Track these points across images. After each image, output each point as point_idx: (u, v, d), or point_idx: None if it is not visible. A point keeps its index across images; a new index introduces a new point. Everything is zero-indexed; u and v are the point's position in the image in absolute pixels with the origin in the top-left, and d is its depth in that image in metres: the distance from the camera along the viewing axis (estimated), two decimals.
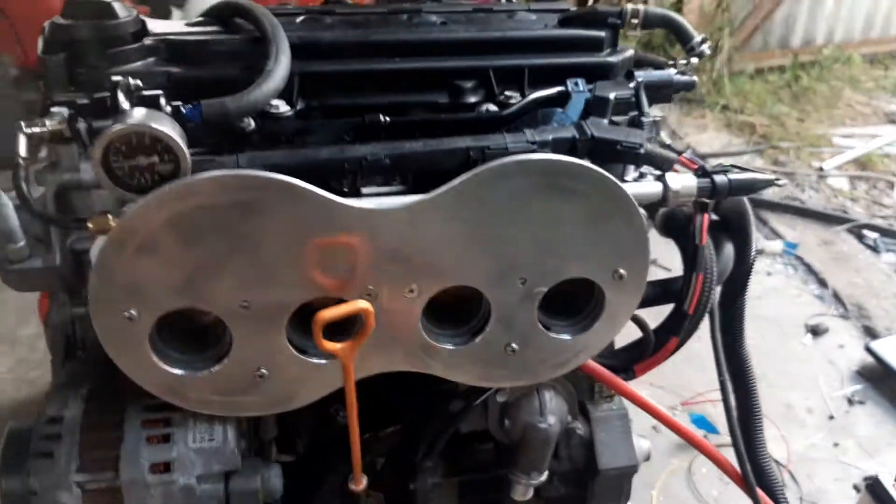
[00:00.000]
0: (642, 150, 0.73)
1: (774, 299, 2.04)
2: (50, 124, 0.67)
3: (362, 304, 0.65)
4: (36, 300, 2.06)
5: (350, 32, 0.86)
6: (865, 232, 2.26)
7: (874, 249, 2.21)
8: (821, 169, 2.62)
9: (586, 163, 0.68)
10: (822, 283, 2.08)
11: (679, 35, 0.91)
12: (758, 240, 2.25)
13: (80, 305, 0.83)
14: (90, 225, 0.65)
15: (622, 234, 0.71)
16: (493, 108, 0.80)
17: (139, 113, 0.63)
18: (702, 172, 0.76)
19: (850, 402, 1.72)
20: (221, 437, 0.74)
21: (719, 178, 0.76)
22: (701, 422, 1.57)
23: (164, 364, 0.69)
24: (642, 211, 0.73)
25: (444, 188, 0.66)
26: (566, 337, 0.76)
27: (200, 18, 0.85)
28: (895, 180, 2.56)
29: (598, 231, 0.70)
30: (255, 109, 0.70)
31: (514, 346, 0.75)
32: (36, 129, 0.67)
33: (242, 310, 0.67)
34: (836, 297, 2.03)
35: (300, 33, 0.82)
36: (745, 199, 0.90)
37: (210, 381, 0.70)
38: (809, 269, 2.13)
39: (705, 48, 0.90)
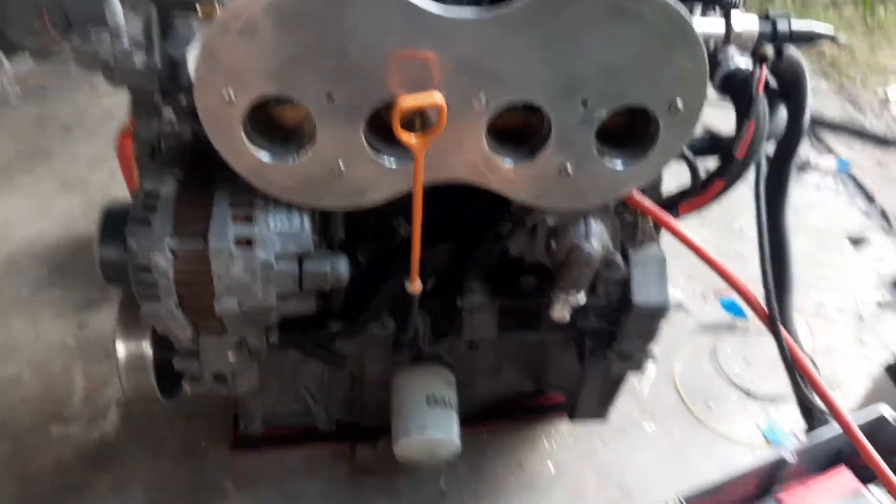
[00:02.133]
0: None
1: (820, 212, 2.05)
2: None
3: (438, 97, 0.71)
4: (105, 149, 2.18)
5: None
6: None
7: None
8: (886, 96, 2.57)
9: None
10: (870, 200, 2.08)
11: None
12: (810, 146, 2.26)
13: (170, 105, 0.90)
14: (199, 10, 0.72)
15: (684, 64, 0.75)
16: None
17: None
18: (764, 16, 0.79)
19: (881, 306, 1.76)
20: (298, 223, 0.83)
21: (781, 23, 0.79)
22: (731, 306, 1.63)
23: (254, 149, 0.77)
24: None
25: (517, 3, 0.71)
26: (619, 166, 0.82)
27: None
28: None
29: (661, 59, 0.74)
30: None
31: (569, 168, 0.80)
32: None
33: (327, 101, 0.74)
34: (883, 213, 2.03)
35: None
36: (803, 65, 0.92)
37: (293, 171, 0.78)
38: (859, 187, 2.13)
39: None
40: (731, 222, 1.94)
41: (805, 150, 2.29)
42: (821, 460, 1.03)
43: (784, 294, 1.02)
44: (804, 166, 2.18)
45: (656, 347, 1.11)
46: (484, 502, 1.31)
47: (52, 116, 2.39)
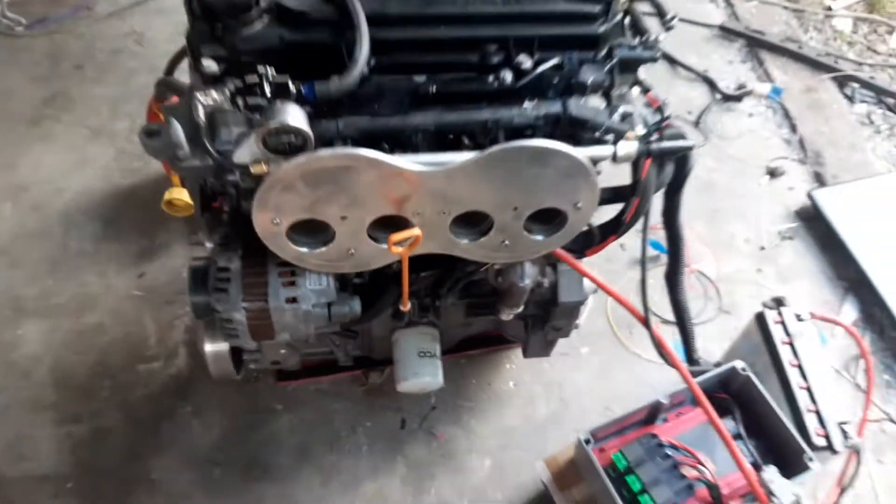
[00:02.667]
0: (603, 128, 1.10)
1: (748, 139, 2.39)
2: (218, 98, 1.05)
3: (416, 231, 1.08)
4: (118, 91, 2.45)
5: (408, 5, 1.16)
6: (849, 81, 2.53)
7: (850, 99, 2.49)
8: (829, 8, 2.77)
9: (559, 145, 1.05)
10: (794, 128, 2.41)
11: (657, 10, 1.20)
12: (750, 69, 2.53)
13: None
14: (252, 170, 1.05)
15: (582, 184, 1.11)
16: (508, 75, 1.14)
17: (281, 109, 1.00)
18: (647, 139, 1.13)
19: (781, 237, 2.17)
20: (325, 282, 1.23)
21: (653, 147, 1.13)
22: (657, 245, 2.04)
23: (294, 245, 1.14)
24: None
25: (467, 160, 1.05)
26: (540, 238, 1.19)
27: None
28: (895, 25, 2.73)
29: (566, 182, 1.10)
30: (349, 90, 1.06)
31: (506, 242, 1.18)
32: (209, 101, 1.05)
33: (341, 220, 1.10)
34: (801, 143, 2.38)
35: (373, 5, 1.13)
36: (686, 137, 1.25)
37: (321, 255, 1.16)
38: (786, 114, 2.45)
39: (673, 23, 1.20)
40: None
41: (744, 75, 2.58)
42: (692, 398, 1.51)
43: (678, 277, 1.43)
44: (741, 92, 2.48)
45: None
46: (462, 410, 1.81)
47: (61, 52, 2.60)
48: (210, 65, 1.08)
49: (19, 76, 2.51)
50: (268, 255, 1.21)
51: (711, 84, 2.50)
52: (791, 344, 1.62)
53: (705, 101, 2.47)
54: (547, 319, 1.48)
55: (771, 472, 1.31)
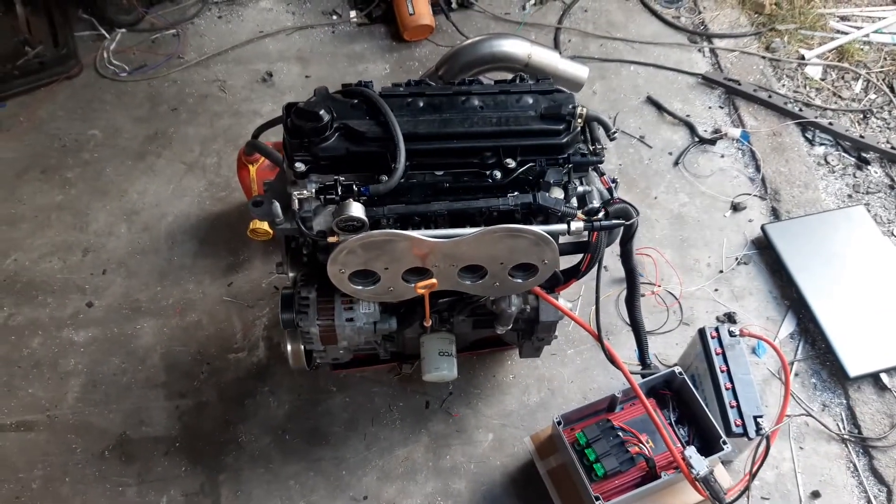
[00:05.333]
0: (560, 213, 1.63)
1: (718, 177, 2.86)
2: (307, 194, 1.60)
3: (433, 280, 1.63)
4: (206, 131, 3.00)
5: (432, 122, 1.69)
6: (811, 126, 2.98)
7: (810, 142, 2.94)
8: (802, 58, 3.20)
9: (527, 228, 1.57)
10: (758, 168, 2.87)
11: (603, 126, 1.73)
12: (725, 115, 2.98)
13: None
14: (328, 239, 1.61)
15: (545, 248, 1.64)
16: (498, 174, 1.67)
17: (348, 205, 1.55)
18: (589, 219, 1.65)
19: (738, 262, 2.66)
20: (373, 308, 1.79)
21: (595, 224, 1.65)
22: None
23: (353, 285, 1.70)
24: (557, 237, 1.65)
25: (469, 235, 1.59)
26: (520, 280, 1.73)
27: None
28: (862, 73, 3.15)
29: (534, 247, 1.63)
30: (391, 189, 1.60)
31: (497, 283, 1.73)
32: (302, 195, 1.61)
33: (384, 270, 1.66)
34: (763, 181, 2.84)
35: (407, 123, 1.67)
36: (628, 210, 1.76)
37: (369, 291, 1.72)
38: (753, 156, 2.91)
39: (616, 135, 1.73)
40: (650, 191, 2.81)
41: (720, 120, 3.04)
42: (645, 392, 2.03)
43: (634, 301, 1.96)
44: (716, 137, 2.94)
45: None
46: (472, 396, 2.37)
47: (159, 96, 3.17)
48: (300, 166, 1.64)
49: (125, 116, 3.11)
50: (334, 289, 1.78)
51: (691, 128, 2.97)
52: (723, 354, 2.13)
53: (685, 143, 2.95)
54: (533, 333, 2.02)
55: (691, 450, 1.83)
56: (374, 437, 2.30)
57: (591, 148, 1.73)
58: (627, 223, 1.69)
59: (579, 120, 1.70)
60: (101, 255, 2.71)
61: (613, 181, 1.78)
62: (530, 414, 2.34)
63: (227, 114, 3.12)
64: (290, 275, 1.94)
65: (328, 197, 1.60)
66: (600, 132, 1.76)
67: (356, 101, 1.73)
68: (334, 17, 3.47)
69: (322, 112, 1.63)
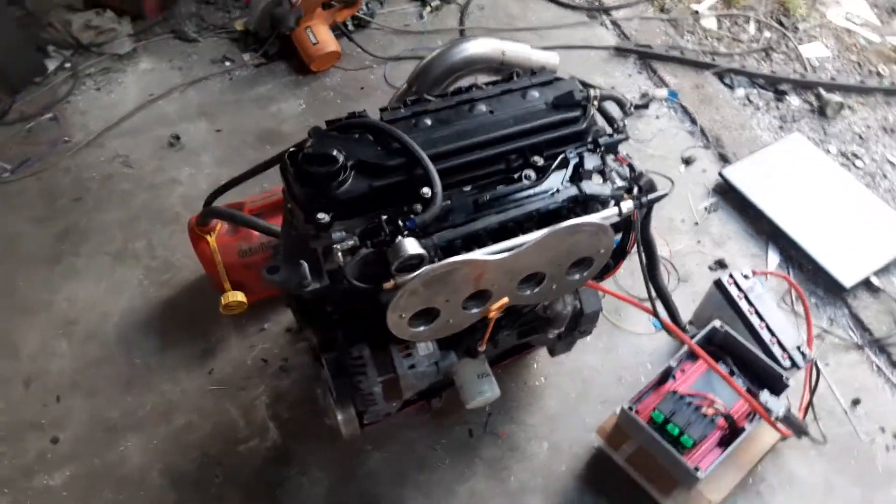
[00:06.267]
0: (607, 198, 1.56)
1: (660, 139, 2.94)
2: (352, 243, 1.43)
3: (505, 300, 1.51)
4: (123, 214, 2.66)
5: (447, 138, 1.57)
6: (726, 73, 3.13)
7: (730, 87, 3.09)
8: (696, 12, 3.37)
9: (586, 219, 1.50)
10: (693, 121, 2.98)
11: (618, 103, 1.68)
12: (647, 79, 3.09)
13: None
14: (386, 286, 1.44)
15: (602, 237, 1.56)
16: (532, 174, 1.58)
17: (405, 244, 1.39)
18: (637, 197, 1.60)
19: (708, 211, 2.74)
20: (433, 347, 1.64)
21: (643, 200, 1.60)
22: None
23: (412, 328, 1.54)
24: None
25: (529, 244, 1.48)
26: (577, 277, 1.65)
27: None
28: (751, 15, 3.36)
29: (592, 238, 1.55)
30: (436, 217, 1.47)
31: (555, 286, 1.63)
32: (346, 246, 1.43)
33: (445, 303, 1.52)
34: (702, 131, 2.95)
35: (423, 144, 1.54)
36: (653, 184, 1.73)
37: (429, 330, 1.57)
38: (685, 111, 3.02)
39: (631, 110, 1.68)
40: None
41: (643, 84, 3.13)
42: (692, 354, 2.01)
43: (656, 273, 1.93)
44: (646, 100, 3.02)
45: None
46: (512, 410, 2.26)
47: (54, 189, 2.79)
48: (323, 217, 1.46)
49: (21, 220, 2.72)
50: (386, 338, 1.61)
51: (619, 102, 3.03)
52: (746, 297, 2.16)
53: (618, 114, 2.99)
54: (575, 328, 1.94)
55: (765, 395, 1.84)
56: (429, 484, 2.13)
57: (613, 127, 1.68)
58: (665, 194, 1.65)
59: (595, 102, 1.64)
60: (47, 380, 2.33)
61: (628, 156, 1.74)
62: (574, 411, 2.26)
63: (140, 190, 2.81)
64: (314, 339, 1.75)
65: (377, 240, 1.43)
66: (613, 109, 1.71)
67: (356, 134, 1.58)
68: (227, 64, 3.24)
69: (335, 153, 1.47)
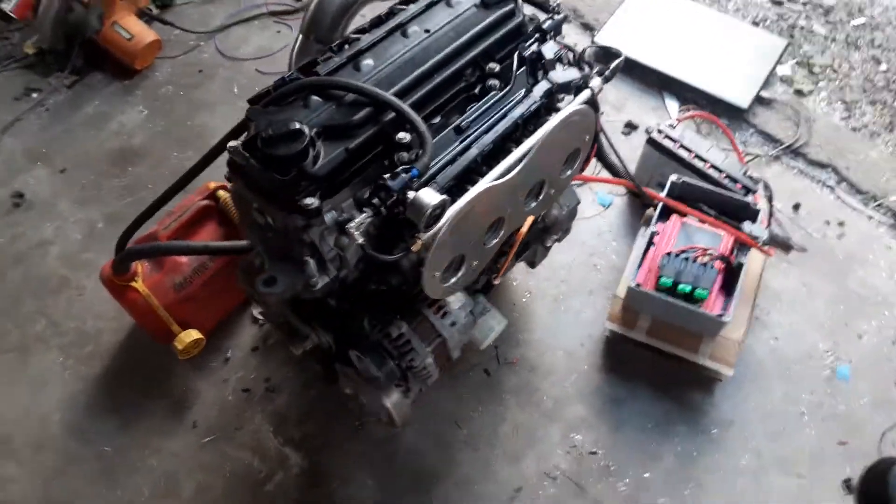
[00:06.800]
0: (578, 81, 1.51)
1: None
2: (365, 221, 1.27)
3: (530, 219, 1.44)
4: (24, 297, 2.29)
5: (398, 71, 1.42)
6: None
7: None
8: None
9: (576, 105, 1.45)
10: None
11: None
12: None
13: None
14: (413, 248, 1.31)
15: (589, 122, 1.52)
16: (496, 82, 1.49)
17: (422, 197, 1.26)
18: (602, 71, 1.56)
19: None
20: (464, 297, 1.54)
21: (607, 74, 1.57)
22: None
23: (443, 284, 1.43)
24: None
25: (528, 156, 1.40)
26: (568, 173, 1.60)
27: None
28: None
29: (583, 126, 1.50)
30: (433, 160, 1.34)
31: (552, 191, 1.58)
32: (363, 221, 1.27)
33: (470, 245, 1.42)
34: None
35: (387, 87, 1.39)
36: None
37: (458, 279, 1.46)
38: None
39: None
40: None
41: None
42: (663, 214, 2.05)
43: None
44: None
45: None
46: (513, 334, 2.22)
47: None
48: (312, 201, 1.28)
49: None
50: (415, 305, 1.49)
51: None
52: (682, 145, 2.23)
53: None
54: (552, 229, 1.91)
55: (748, 225, 1.92)
56: (472, 437, 2.07)
57: (548, 8, 1.61)
58: (623, 58, 1.63)
59: None
60: None
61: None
62: (568, 310, 2.27)
63: (5, 268, 2.40)
64: (324, 339, 1.59)
65: (389, 203, 1.29)
66: None
67: (293, 99, 1.39)
68: (34, 96, 2.78)
69: (299, 126, 1.28)
